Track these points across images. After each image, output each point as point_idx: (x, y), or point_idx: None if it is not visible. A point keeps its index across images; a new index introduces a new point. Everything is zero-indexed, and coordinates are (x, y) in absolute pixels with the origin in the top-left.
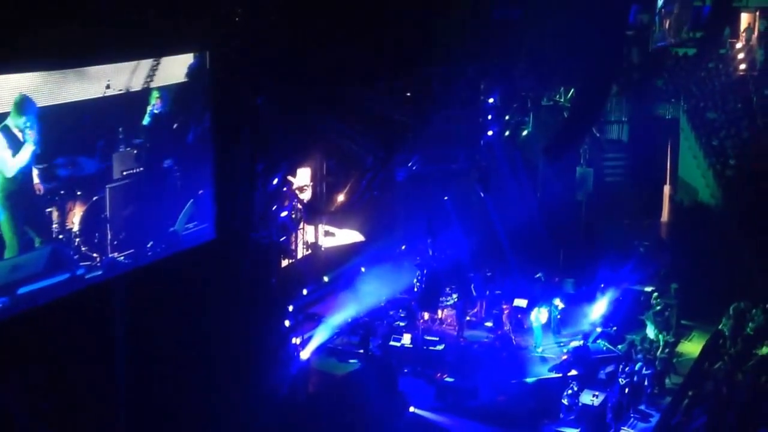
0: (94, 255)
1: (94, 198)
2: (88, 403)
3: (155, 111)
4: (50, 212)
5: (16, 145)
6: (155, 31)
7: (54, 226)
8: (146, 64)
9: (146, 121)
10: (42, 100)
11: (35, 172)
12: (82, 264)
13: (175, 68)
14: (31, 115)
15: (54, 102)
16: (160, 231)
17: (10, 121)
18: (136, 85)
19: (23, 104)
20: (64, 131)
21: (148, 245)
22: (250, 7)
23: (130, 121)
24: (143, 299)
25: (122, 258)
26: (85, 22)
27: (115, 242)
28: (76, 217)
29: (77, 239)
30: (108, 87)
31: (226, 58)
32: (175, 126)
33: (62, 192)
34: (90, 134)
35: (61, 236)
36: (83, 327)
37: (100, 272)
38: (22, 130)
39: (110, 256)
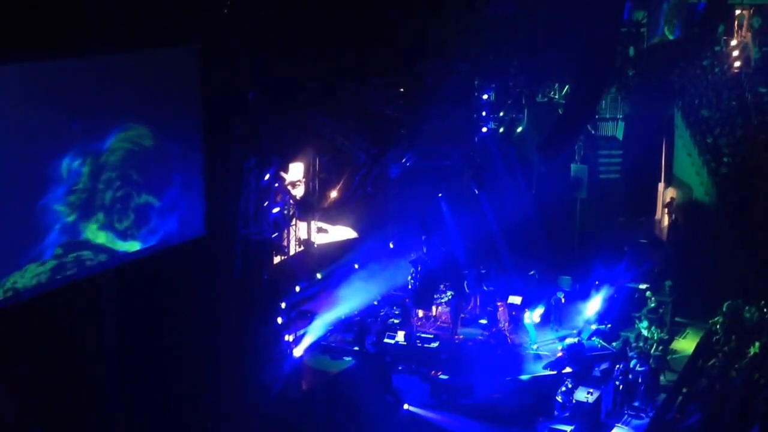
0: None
1: None
2: (78, 399)
3: None
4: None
5: None
6: (147, 26)
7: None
8: None
9: None
10: None
11: None
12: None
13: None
14: None
15: None
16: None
17: None
18: None
19: None
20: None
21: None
22: (241, 1)
23: None
24: (134, 296)
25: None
26: (77, 16)
27: None
28: None
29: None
30: None
31: (218, 53)
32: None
33: None
34: None
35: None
36: (74, 323)
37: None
38: None
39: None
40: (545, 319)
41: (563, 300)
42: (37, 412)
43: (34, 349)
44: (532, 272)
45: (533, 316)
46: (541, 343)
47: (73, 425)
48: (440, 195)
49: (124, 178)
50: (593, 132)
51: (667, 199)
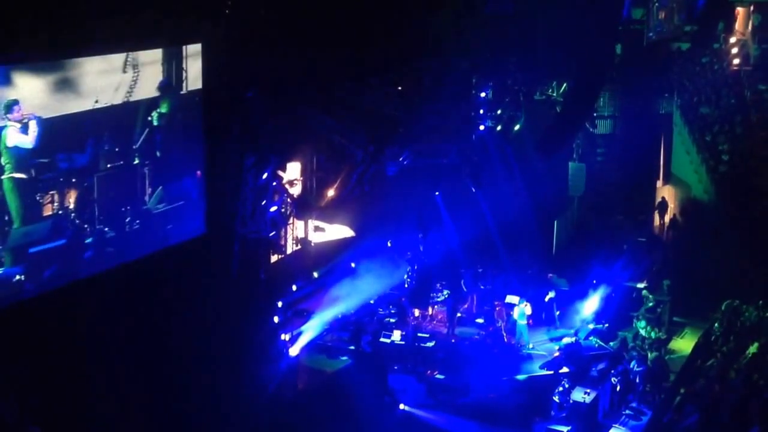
0: (85, 226)
1: (85, 184)
2: (78, 399)
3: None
4: (53, 194)
5: (24, 128)
6: (147, 25)
7: (55, 204)
8: (126, 83)
9: (125, 127)
10: (47, 113)
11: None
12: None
13: (148, 86)
14: (18, 106)
15: (56, 114)
16: (136, 209)
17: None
18: (118, 100)
19: (9, 103)
20: (64, 135)
21: (126, 220)
22: (241, 0)
23: (113, 127)
24: (133, 294)
25: (107, 228)
26: (79, 14)
27: (101, 217)
28: (71, 198)
29: (72, 214)
30: (96, 102)
31: (217, 52)
32: (147, 129)
33: (61, 179)
34: (83, 137)
35: (60, 212)
36: (73, 323)
37: (90, 239)
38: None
39: (98, 227)
40: (539, 319)
41: (549, 298)
42: (37, 412)
43: (34, 349)
44: (529, 271)
45: (524, 308)
46: (538, 343)
47: (73, 425)
48: (437, 193)
49: None
50: (591, 129)
51: (659, 200)
